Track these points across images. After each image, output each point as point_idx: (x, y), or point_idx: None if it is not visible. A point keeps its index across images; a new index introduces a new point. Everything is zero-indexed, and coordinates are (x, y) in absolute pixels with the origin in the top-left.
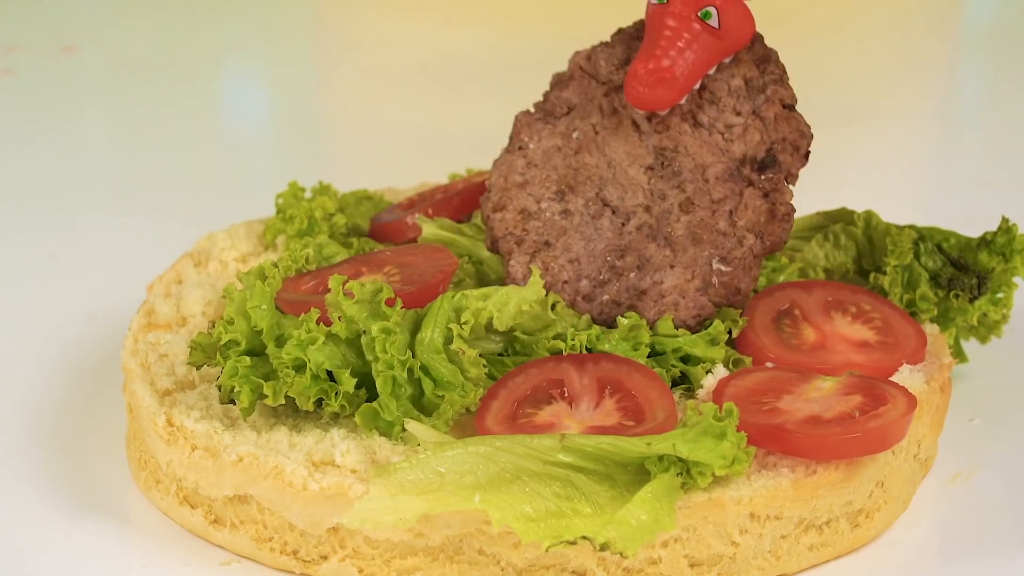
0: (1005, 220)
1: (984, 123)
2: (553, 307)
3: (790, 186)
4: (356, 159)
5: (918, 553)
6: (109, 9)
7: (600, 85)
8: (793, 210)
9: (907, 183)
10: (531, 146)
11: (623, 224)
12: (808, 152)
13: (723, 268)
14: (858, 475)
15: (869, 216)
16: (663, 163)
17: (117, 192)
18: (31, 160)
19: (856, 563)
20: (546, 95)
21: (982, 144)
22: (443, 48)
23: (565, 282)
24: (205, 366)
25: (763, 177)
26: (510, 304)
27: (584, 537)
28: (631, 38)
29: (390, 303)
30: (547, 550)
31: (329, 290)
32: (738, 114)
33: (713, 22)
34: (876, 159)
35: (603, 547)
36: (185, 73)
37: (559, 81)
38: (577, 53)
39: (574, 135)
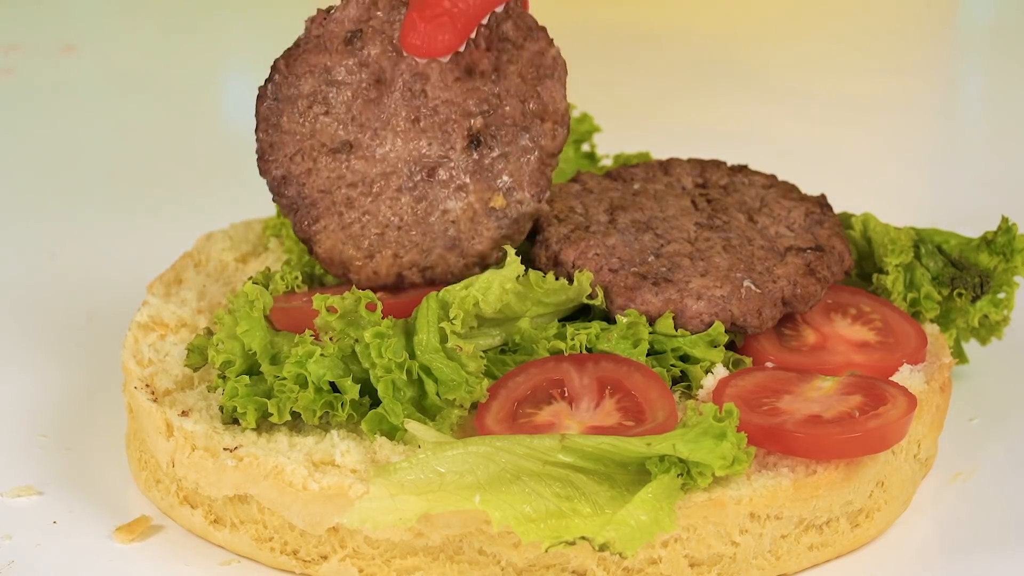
0: (1005, 220)
1: (984, 123)
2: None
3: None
4: None
5: (918, 553)
6: (109, 9)
7: (665, 176)
8: (830, 282)
9: (906, 184)
10: (590, 183)
11: (662, 245)
12: (848, 271)
13: (752, 287)
14: (858, 475)
15: (867, 219)
16: (713, 226)
17: (117, 191)
18: (31, 159)
19: (856, 563)
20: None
21: (982, 144)
22: None
23: (596, 254)
24: (203, 367)
25: (808, 252)
26: (493, 286)
27: (583, 537)
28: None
29: (371, 308)
30: (547, 550)
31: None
32: (790, 228)
33: None
34: (875, 160)
35: (602, 547)
36: (185, 73)
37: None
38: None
39: (635, 186)
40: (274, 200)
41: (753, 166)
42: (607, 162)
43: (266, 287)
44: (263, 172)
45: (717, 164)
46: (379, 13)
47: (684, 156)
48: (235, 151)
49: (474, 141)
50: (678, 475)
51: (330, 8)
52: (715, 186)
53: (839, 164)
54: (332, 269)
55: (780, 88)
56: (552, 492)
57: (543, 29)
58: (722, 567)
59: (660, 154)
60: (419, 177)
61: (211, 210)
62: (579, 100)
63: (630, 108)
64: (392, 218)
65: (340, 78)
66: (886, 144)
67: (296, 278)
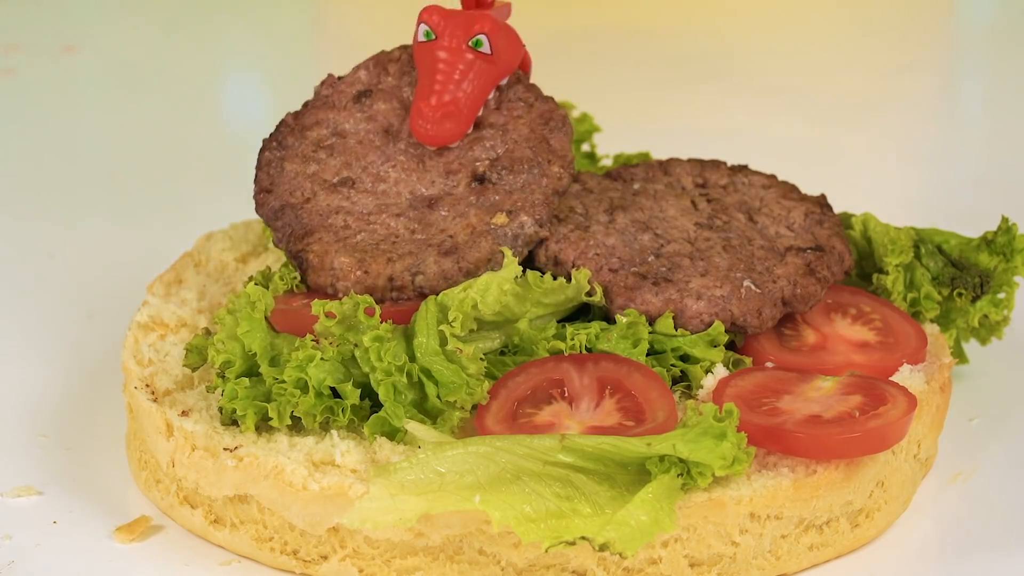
0: (1005, 220)
1: (984, 123)
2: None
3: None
4: None
5: (918, 553)
6: (109, 9)
7: (665, 176)
8: (829, 282)
9: (906, 184)
10: (590, 183)
11: (662, 245)
12: (848, 271)
13: (752, 287)
14: (858, 475)
15: (867, 219)
16: (712, 226)
17: (117, 192)
18: (30, 160)
19: (856, 563)
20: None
21: (982, 144)
22: None
23: (596, 254)
24: (202, 367)
25: (808, 251)
26: (491, 288)
27: (584, 538)
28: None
29: (370, 312)
30: (547, 550)
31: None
32: (790, 228)
33: (485, 49)
34: (875, 160)
35: (602, 548)
36: (185, 73)
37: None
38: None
39: (635, 186)
40: (268, 227)
41: (753, 166)
42: (607, 162)
43: (266, 287)
44: (260, 207)
45: (717, 164)
46: (389, 78)
47: (684, 156)
48: (235, 151)
49: (478, 179)
50: (678, 475)
51: (340, 77)
52: (715, 186)
53: (839, 164)
54: (321, 278)
55: (780, 88)
56: (552, 492)
57: (551, 97)
58: (722, 567)
59: (660, 154)
60: (420, 206)
61: (211, 210)
62: (579, 100)
63: (630, 108)
64: (388, 235)
65: (347, 127)
66: (886, 144)
67: (295, 278)
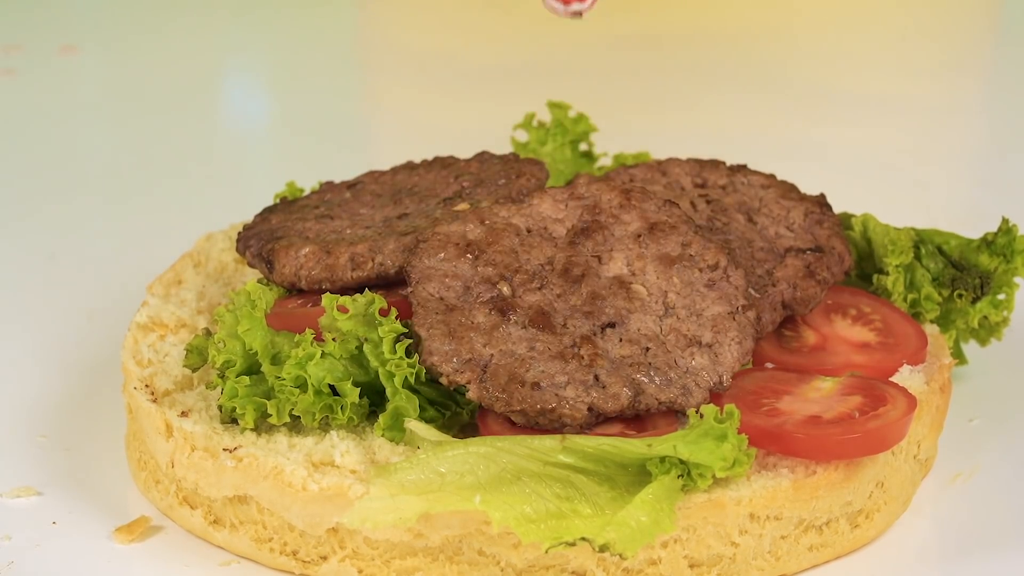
0: (1005, 221)
1: (984, 123)
2: None
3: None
4: (356, 159)
5: (918, 553)
6: (109, 9)
7: (663, 176)
8: (829, 284)
9: (907, 184)
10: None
11: None
12: (848, 272)
13: (752, 292)
14: (858, 476)
15: (867, 219)
16: (712, 228)
17: (117, 192)
18: (30, 160)
19: (856, 563)
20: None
21: (982, 144)
22: (445, 48)
23: None
24: (202, 367)
25: (808, 252)
26: None
27: (584, 538)
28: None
29: (384, 313)
30: (547, 551)
31: (320, 305)
32: (790, 228)
33: None
34: (875, 160)
35: (602, 548)
36: (185, 73)
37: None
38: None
39: None
40: (243, 255)
41: (753, 166)
42: (605, 161)
43: (265, 286)
44: (238, 242)
45: (716, 164)
46: None
47: (683, 156)
48: (235, 151)
49: (449, 199)
50: (678, 476)
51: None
52: (714, 186)
53: (839, 164)
54: (287, 268)
55: (780, 88)
56: (552, 493)
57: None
58: (722, 568)
59: (659, 154)
60: (391, 219)
61: (211, 210)
62: (578, 99)
63: (629, 108)
64: (355, 233)
65: (331, 197)
66: (886, 144)
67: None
